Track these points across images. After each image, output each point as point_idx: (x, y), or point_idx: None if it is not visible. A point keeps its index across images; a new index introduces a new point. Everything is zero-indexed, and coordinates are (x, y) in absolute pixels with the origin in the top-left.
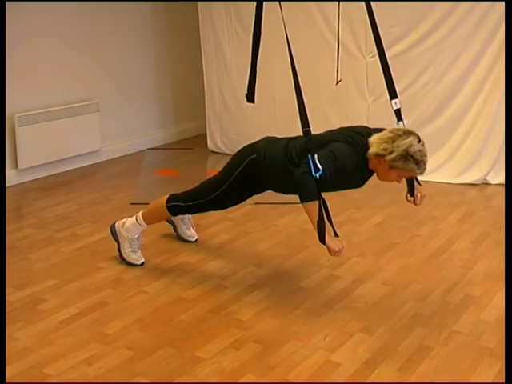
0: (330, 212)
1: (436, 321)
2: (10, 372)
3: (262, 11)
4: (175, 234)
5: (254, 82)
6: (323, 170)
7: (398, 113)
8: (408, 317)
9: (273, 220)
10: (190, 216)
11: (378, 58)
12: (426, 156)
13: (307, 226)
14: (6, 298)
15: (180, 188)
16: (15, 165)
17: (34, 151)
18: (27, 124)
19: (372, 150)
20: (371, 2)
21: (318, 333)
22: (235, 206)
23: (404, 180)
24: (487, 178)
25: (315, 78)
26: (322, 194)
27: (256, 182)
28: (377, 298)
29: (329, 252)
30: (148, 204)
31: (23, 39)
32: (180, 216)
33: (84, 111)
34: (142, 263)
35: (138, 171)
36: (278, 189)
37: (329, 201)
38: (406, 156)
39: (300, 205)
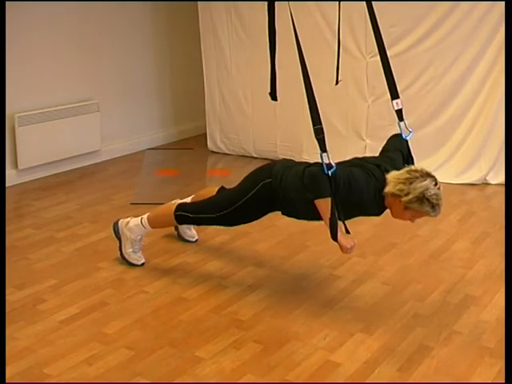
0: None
1: (436, 321)
2: (9, 372)
3: (274, 10)
4: (176, 232)
5: (275, 80)
6: (336, 168)
7: (399, 113)
8: (408, 317)
9: (273, 220)
10: None
11: (379, 58)
12: (441, 199)
13: (307, 226)
14: (6, 298)
15: (180, 188)
16: (15, 165)
17: (34, 151)
18: (27, 124)
19: (388, 189)
20: (372, 2)
21: (317, 333)
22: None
23: None
24: (487, 177)
25: (315, 77)
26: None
27: (268, 205)
28: (377, 298)
29: (341, 249)
30: (148, 204)
31: (23, 39)
32: None
33: (84, 111)
34: (143, 263)
35: (138, 171)
36: (290, 214)
37: None
38: (422, 199)
39: None
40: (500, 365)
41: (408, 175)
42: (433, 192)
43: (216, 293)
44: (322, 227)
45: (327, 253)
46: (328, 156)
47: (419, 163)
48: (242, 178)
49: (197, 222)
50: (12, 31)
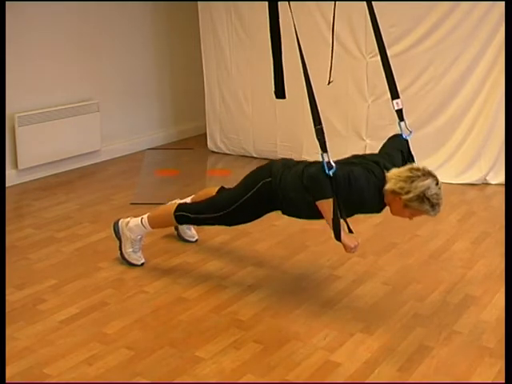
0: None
1: (436, 321)
2: (10, 372)
3: (277, 10)
4: (176, 232)
5: (282, 78)
6: (336, 168)
7: (399, 113)
8: (408, 317)
9: (273, 220)
10: None
11: (379, 58)
12: (441, 199)
13: (307, 226)
14: (6, 298)
15: (180, 188)
16: (15, 165)
17: (34, 151)
18: (27, 124)
19: (389, 187)
20: (372, 2)
21: (317, 333)
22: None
23: None
24: (487, 177)
25: (314, 77)
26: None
27: (268, 205)
28: (377, 298)
29: (345, 249)
30: (148, 204)
31: (23, 39)
32: None
33: (84, 111)
34: (143, 263)
35: (138, 171)
36: (290, 213)
37: None
38: (423, 198)
39: None
40: (500, 365)
41: (410, 173)
42: (434, 191)
43: (216, 293)
44: (321, 227)
45: (327, 253)
46: (328, 156)
47: (419, 163)
48: (242, 178)
49: (197, 222)
50: (12, 31)
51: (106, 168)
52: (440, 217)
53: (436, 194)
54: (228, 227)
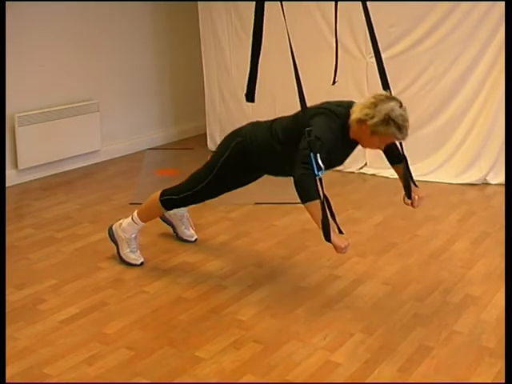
0: (334, 210)
1: (436, 321)
2: (9, 372)
3: (263, 10)
4: (174, 235)
5: (255, 82)
6: (323, 169)
7: None
8: (408, 317)
9: (273, 220)
10: (188, 216)
11: (374, 60)
12: (407, 121)
13: (307, 226)
14: (6, 298)
15: None
16: (15, 165)
17: (34, 151)
18: (27, 124)
19: (354, 116)
20: (367, 2)
21: (318, 333)
22: (235, 206)
23: (401, 182)
24: (487, 178)
25: (315, 77)
26: None
27: (244, 166)
28: (377, 298)
29: (335, 249)
30: None
31: (23, 39)
32: (178, 216)
33: (84, 111)
34: (142, 263)
35: (138, 171)
36: (265, 170)
37: None
38: (388, 120)
39: (300, 205)
40: (500, 365)
41: (373, 99)
42: (398, 113)
43: (216, 293)
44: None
45: (327, 253)
46: (319, 157)
47: (419, 163)
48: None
49: (183, 202)
50: (12, 31)
51: (106, 168)
52: (440, 217)
53: (401, 115)
54: (214, 198)
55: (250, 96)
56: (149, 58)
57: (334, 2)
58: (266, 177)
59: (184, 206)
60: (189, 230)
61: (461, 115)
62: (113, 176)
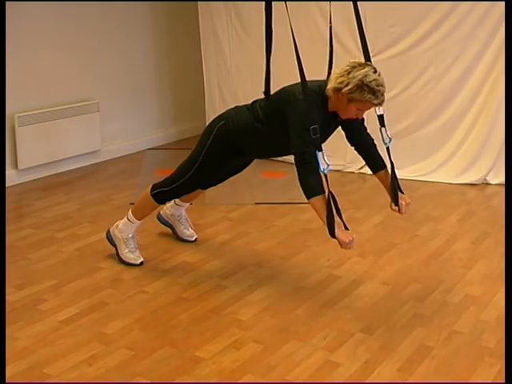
0: (340, 205)
1: (436, 321)
2: (10, 372)
3: (271, 10)
4: (174, 236)
5: (269, 80)
6: (329, 166)
7: (380, 118)
8: (408, 317)
9: (273, 220)
10: (186, 215)
11: (375, 60)
12: (382, 86)
13: (307, 225)
14: (6, 298)
15: None
16: (15, 165)
17: (34, 151)
18: (27, 124)
19: (330, 86)
20: (371, 2)
21: (318, 333)
22: (235, 206)
23: (386, 190)
24: (487, 178)
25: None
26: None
27: (230, 150)
28: (377, 298)
29: (340, 245)
30: None
31: (23, 39)
32: (176, 216)
33: (84, 111)
34: (141, 262)
35: (138, 171)
36: (251, 152)
37: None
38: (362, 86)
39: (300, 205)
40: (500, 365)
41: (347, 67)
42: (372, 78)
43: (216, 293)
44: (322, 227)
45: (327, 253)
46: (323, 155)
47: (419, 163)
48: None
49: (174, 193)
50: (12, 31)
51: (106, 168)
52: (440, 217)
53: (375, 80)
54: (206, 188)
55: (267, 93)
56: (149, 58)
57: (333, 2)
58: (266, 178)
59: (176, 197)
60: (188, 229)
61: (461, 115)
62: (113, 176)
